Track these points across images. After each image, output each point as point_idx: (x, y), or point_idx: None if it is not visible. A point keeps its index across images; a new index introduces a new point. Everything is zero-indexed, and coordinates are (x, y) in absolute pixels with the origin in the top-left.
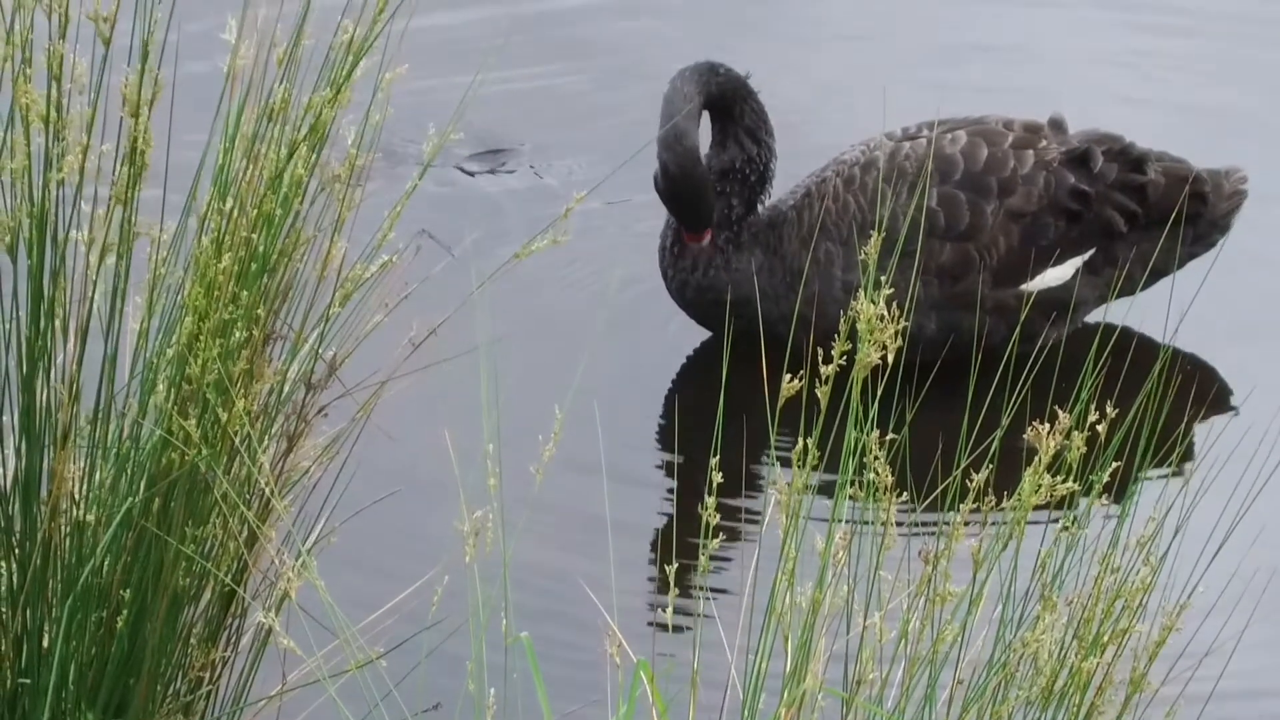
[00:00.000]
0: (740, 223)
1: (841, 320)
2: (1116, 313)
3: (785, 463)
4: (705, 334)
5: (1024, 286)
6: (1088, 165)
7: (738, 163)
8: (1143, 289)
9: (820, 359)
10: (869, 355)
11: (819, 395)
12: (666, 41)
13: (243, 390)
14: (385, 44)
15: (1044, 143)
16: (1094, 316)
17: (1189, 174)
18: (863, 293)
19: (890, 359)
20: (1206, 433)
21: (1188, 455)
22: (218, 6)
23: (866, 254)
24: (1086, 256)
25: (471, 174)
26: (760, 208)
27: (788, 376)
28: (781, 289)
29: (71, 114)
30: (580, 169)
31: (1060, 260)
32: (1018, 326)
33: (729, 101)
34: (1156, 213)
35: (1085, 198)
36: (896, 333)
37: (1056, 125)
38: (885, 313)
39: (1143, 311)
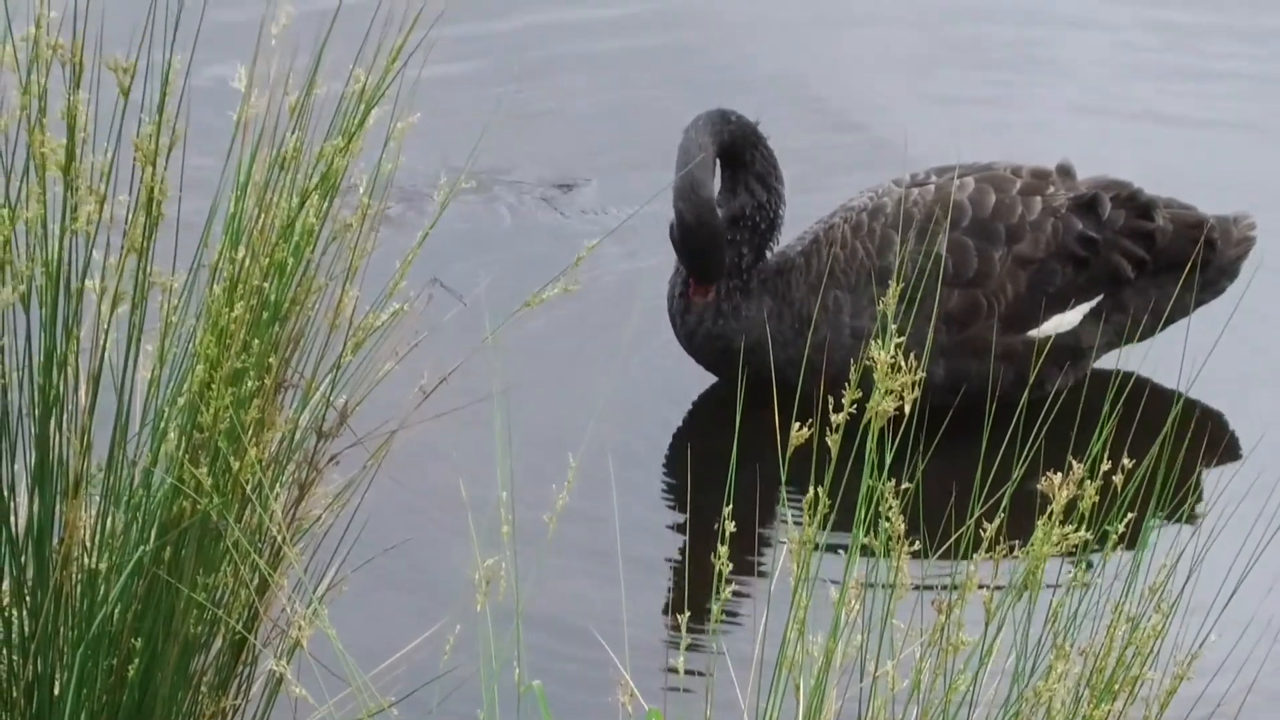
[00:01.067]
0: (749, 269)
1: (851, 367)
2: (1127, 359)
3: (797, 511)
4: (715, 380)
5: (1032, 333)
6: (1096, 211)
7: (748, 209)
8: (1153, 335)
9: (831, 407)
10: (882, 404)
11: (829, 444)
12: (691, 56)
13: (254, 438)
14: (399, 89)
15: (1052, 189)
16: (1106, 363)
17: (1197, 220)
18: (873, 340)
19: (906, 409)
20: (1218, 479)
21: (1200, 502)
22: (228, 50)
23: (876, 300)
24: (1095, 303)
25: (512, 206)
26: (769, 254)
27: (796, 425)
28: (789, 335)
29: (85, 164)
30: (613, 203)
31: (1069, 307)
32: (1027, 373)
33: (740, 149)
34: (1165, 259)
35: (1093, 244)
36: (914, 383)
37: (1065, 171)
38: (899, 362)
39: (1157, 357)
